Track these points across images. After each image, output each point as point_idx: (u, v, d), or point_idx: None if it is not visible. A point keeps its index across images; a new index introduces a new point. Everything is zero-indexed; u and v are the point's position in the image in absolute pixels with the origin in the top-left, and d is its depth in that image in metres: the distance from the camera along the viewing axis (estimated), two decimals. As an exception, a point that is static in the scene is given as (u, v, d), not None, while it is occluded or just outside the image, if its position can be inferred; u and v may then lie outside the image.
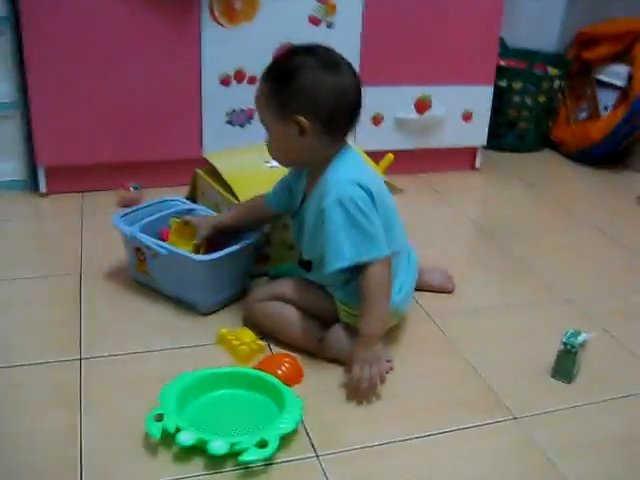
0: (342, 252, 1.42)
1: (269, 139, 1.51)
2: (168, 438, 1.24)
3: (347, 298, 1.53)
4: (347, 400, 1.43)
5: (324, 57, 1.44)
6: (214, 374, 1.40)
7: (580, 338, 1.50)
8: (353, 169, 1.48)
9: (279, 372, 1.44)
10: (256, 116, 2.35)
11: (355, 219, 1.41)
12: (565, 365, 1.51)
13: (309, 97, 1.41)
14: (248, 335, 1.56)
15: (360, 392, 1.42)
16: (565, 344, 1.50)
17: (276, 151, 1.53)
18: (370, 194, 1.44)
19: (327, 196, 1.43)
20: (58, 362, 1.51)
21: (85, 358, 1.52)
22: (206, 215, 1.82)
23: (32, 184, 2.40)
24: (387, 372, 1.50)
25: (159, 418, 1.25)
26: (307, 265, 1.60)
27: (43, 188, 2.37)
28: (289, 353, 1.53)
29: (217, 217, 1.79)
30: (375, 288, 1.45)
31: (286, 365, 1.47)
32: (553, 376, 1.53)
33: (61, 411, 1.36)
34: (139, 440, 1.27)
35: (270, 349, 1.57)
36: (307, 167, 1.55)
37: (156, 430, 1.23)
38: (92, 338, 1.59)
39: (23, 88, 2.27)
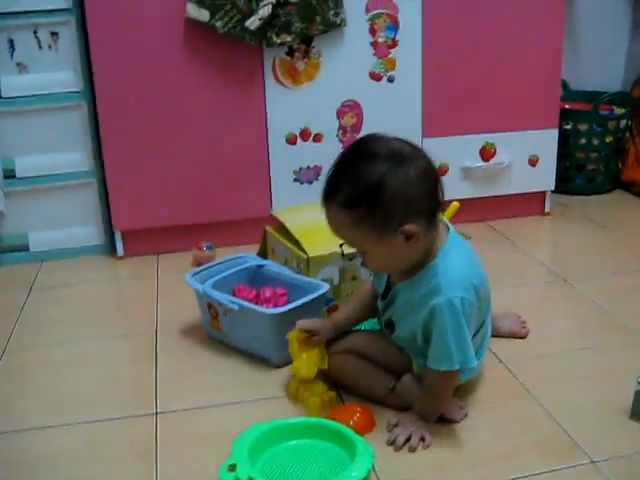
0: (451, 356, 1.38)
1: (367, 259, 1.41)
2: (242, 488, 1.26)
3: (426, 365, 1.49)
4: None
5: (387, 152, 1.33)
6: (286, 425, 1.42)
7: (657, 378, 1.47)
8: (464, 264, 1.43)
9: (351, 422, 1.44)
10: (324, 172, 2.45)
11: (460, 324, 1.38)
12: (643, 406, 1.47)
13: (405, 201, 1.31)
14: (319, 387, 1.57)
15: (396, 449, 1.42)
16: (642, 384, 1.47)
17: (382, 267, 1.47)
18: (478, 292, 1.42)
19: (439, 294, 1.38)
20: (135, 417, 1.55)
21: (161, 412, 1.56)
22: (320, 320, 1.66)
23: (110, 248, 2.49)
24: (461, 419, 1.50)
25: (232, 468, 1.27)
26: (390, 328, 1.58)
27: (120, 251, 2.46)
28: (360, 403, 1.53)
29: (335, 317, 1.67)
30: (443, 391, 1.47)
31: (358, 415, 1.47)
32: (631, 418, 1.49)
33: (138, 464, 1.40)
34: (214, 491, 1.30)
35: (341, 399, 1.58)
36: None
37: (229, 480, 1.25)
38: (167, 393, 1.63)
39: (99, 157, 2.37)
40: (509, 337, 1.83)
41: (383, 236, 1.34)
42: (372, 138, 1.39)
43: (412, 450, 1.41)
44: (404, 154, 1.34)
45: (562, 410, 1.53)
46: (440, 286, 1.39)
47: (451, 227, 1.49)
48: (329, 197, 1.36)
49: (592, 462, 1.37)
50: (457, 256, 1.43)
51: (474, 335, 1.47)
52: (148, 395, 1.63)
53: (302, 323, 1.58)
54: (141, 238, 2.46)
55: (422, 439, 1.43)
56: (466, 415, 1.51)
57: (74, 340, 1.91)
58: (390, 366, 1.58)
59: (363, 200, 1.31)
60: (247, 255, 1.99)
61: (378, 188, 1.30)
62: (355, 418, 1.46)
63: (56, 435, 1.51)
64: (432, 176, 1.37)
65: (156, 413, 1.56)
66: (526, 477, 1.34)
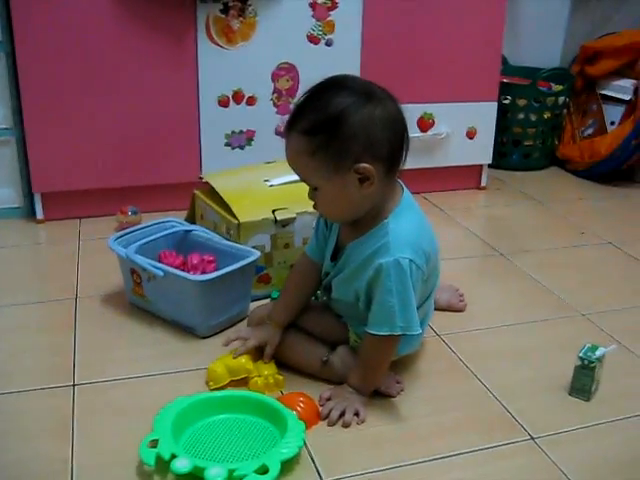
0: (393, 319, 1.32)
1: (318, 198, 1.34)
2: (163, 466, 1.16)
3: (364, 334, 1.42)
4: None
5: (359, 88, 1.28)
6: (211, 398, 1.34)
7: (598, 352, 1.43)
8: (416, 227, 1.38)
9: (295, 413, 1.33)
10: (256, 137, 2.37)
11: (406, 286, 1.31)
12: (582, 381, 1.43)
13: (365, 139, 1.25)
14: (269, 368, 1.45)
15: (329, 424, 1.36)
16: (582, 359, 1.43)
17: (332, 209, 1.37)
18: (427, 258, 1.37)
19: (387, 253, 1.32)
20: (51, 389, 1.45)
21: (78, 384, 1.46)
22: (262, 329, 1.51)
23: (29, 211, 2.35)
24: (397, 394, 1.44)
25: (153, 445, 1.19)
26: (329, 291, 1.51)
27: (40, 215, 2.32)
28: (303, 392, 1.42)
29: (275, 316, 1.52)
30: (380, 361, 1.40)
31: (301, 405, 1.36)
32: (570, 393, 1.45)
33: (53, 439, 1.30)
34: (133, 469, 1.20)
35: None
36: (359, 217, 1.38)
37: (150, 458, 1.16)
38: (86, 364, 1.53)
39: (19, 114, 2.23)
40: (446, 310, 1.79)
41: (336, 171, 1.28)
42: (346, 75, 1.34)
43: (346, 425, 1.34)
44: (375, 93, 1.29)
45: (500, 386, 1.49)
46: (389, 245, 1.33)
47: (405, 189, 1.42)
48: (293, 123, 1.30)
49: (532, 438, 1.33)
50: (410, 218, 1.37)
51: (418, 307, 1.40)
52: (66, 366, 1.52)
53: (247, 344, 1.47)
54: (62, 201, 2.32)
55: (356, 414, 1.36)
56: (402, 390, 1.46)
57: (-14, 307, 1.79)
58: (326, 337, 1.51)
59: (323, 129, 1.26)
60: (174, 220, 1.89)
61: (339, 119, 1.25)
62: (299, 408, 1.34)
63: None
64: (398, 124, 1.30)
65: (73, 385, 1.46)
66: (464, 454, 1.29)
